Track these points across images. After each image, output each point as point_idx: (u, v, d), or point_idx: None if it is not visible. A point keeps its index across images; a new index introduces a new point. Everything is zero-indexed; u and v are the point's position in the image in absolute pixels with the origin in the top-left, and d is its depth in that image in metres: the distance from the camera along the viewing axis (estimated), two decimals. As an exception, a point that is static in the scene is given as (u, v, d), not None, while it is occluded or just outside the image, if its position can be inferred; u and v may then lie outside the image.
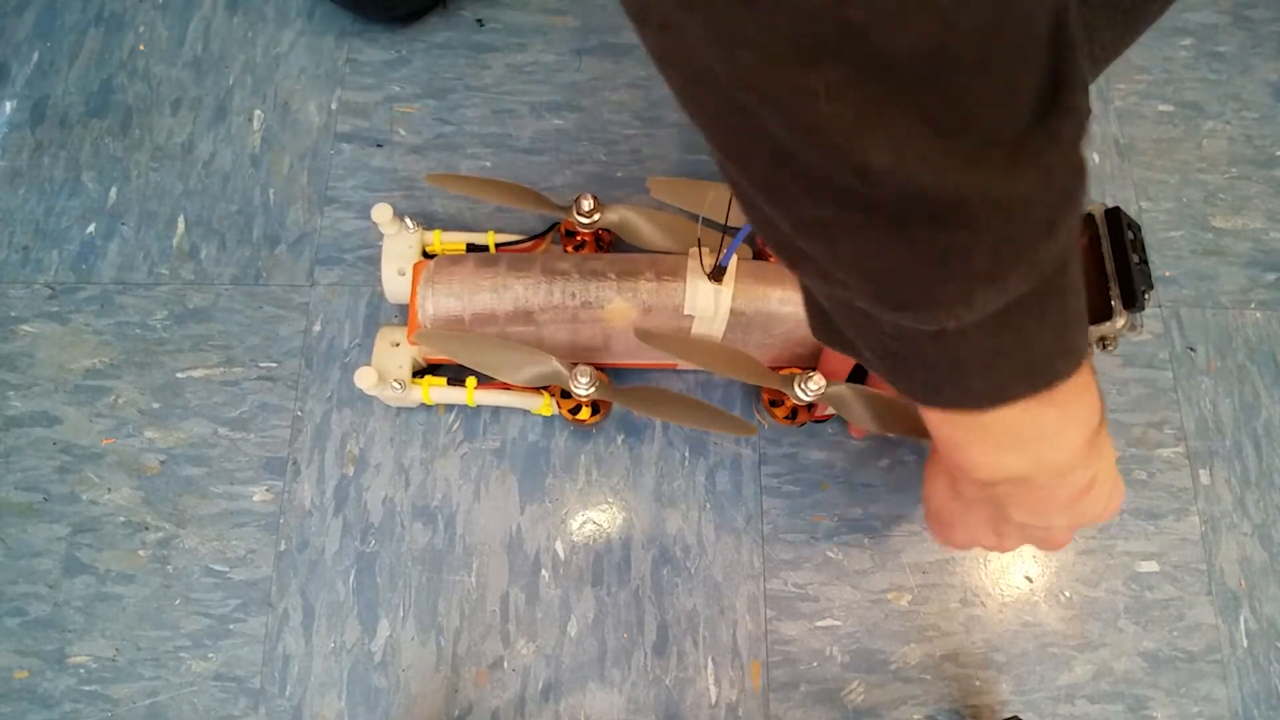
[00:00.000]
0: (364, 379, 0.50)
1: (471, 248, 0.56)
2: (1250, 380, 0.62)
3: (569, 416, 0.52)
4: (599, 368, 0.50)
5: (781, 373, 0.49)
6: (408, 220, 0.54)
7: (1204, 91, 0.69)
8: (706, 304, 0.48)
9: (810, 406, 0.52)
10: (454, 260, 0.52)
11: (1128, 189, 0.66)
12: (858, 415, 0.49)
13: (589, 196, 0.52)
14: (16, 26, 0.65)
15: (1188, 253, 0.65)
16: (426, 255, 0.55)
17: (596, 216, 0.52)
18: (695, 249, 0.48)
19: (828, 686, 0.53)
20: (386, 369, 0.53)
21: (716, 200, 0.54)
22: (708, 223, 0.50)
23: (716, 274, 0.46)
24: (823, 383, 0.48)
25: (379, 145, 0.63)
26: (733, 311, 0.49)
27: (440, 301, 0.50)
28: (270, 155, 0.62)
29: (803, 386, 0.48)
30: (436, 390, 0.53)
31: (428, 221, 0.60)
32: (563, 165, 0.63)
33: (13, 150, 0.62)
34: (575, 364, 0.48)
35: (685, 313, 0.49)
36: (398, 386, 0.52)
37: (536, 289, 0.50)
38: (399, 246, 0.54)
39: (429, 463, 0.56)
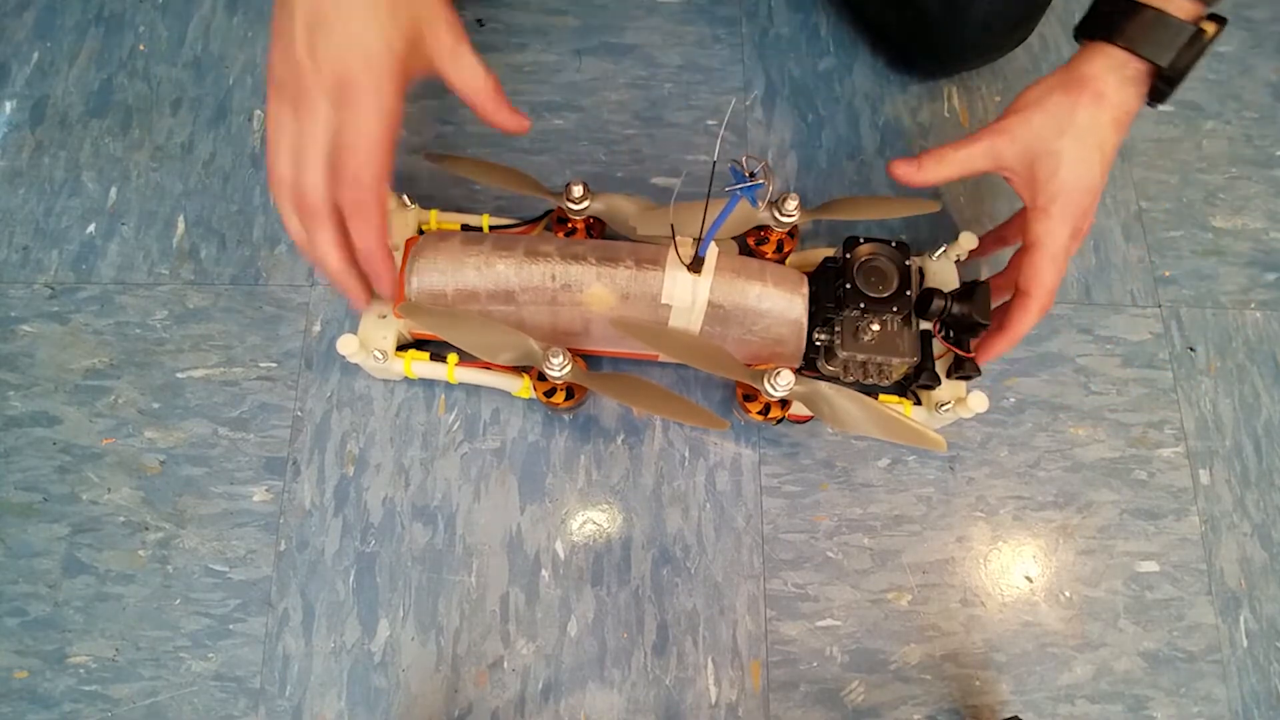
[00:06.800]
0: (345, 345, 0.51)
1: (466, 229, 0.56)
2: (1250, 380, 0.62)
3: (544, 399, 0.52)
4: (581, 354, 0.50)
5: (754, 367, 0.49)
6: (405, 197, 0.54)
7: (1204, 91, 0.69)
8: (684, 294, 0.48)
9: (784, 404, 0.52)
10: (443, 236, 0.52)
11: (1128, 189, 0.66)
12: (828, 414, 0.48)
13: (580, 183, 0.52)
14: (16, 26, 0.65)
15: (1188, 253, 0.65)
16: (422, 234, 0.56)
17: (586, 203, 0.53)
18: (673, 238, 0.48)
19: (828, 686, 0.53)
20: (371, 339, 0.53)
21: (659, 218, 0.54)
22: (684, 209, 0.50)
23: (695, 264, 0.46)
24: (791, 379, 0.47)
25: (379, 145, 0.63)
26: (710, 304, 0.49)
27: (425, 276, 0.50)
28: (270, 155, 0.62)
29: (772, 382, 0.47)
30: (418, 364, 0.54)
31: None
32: (563, 165, 0.63)
33: (13, 150, 0.62)
34: (550, 346, 0.48)
35: (662, 302, 0.49)
36: (379, 356, 0.52)
37: (518, 269, 0.50)
38: (395, 223, 0.55)
39: (429, 463, 0.56)
